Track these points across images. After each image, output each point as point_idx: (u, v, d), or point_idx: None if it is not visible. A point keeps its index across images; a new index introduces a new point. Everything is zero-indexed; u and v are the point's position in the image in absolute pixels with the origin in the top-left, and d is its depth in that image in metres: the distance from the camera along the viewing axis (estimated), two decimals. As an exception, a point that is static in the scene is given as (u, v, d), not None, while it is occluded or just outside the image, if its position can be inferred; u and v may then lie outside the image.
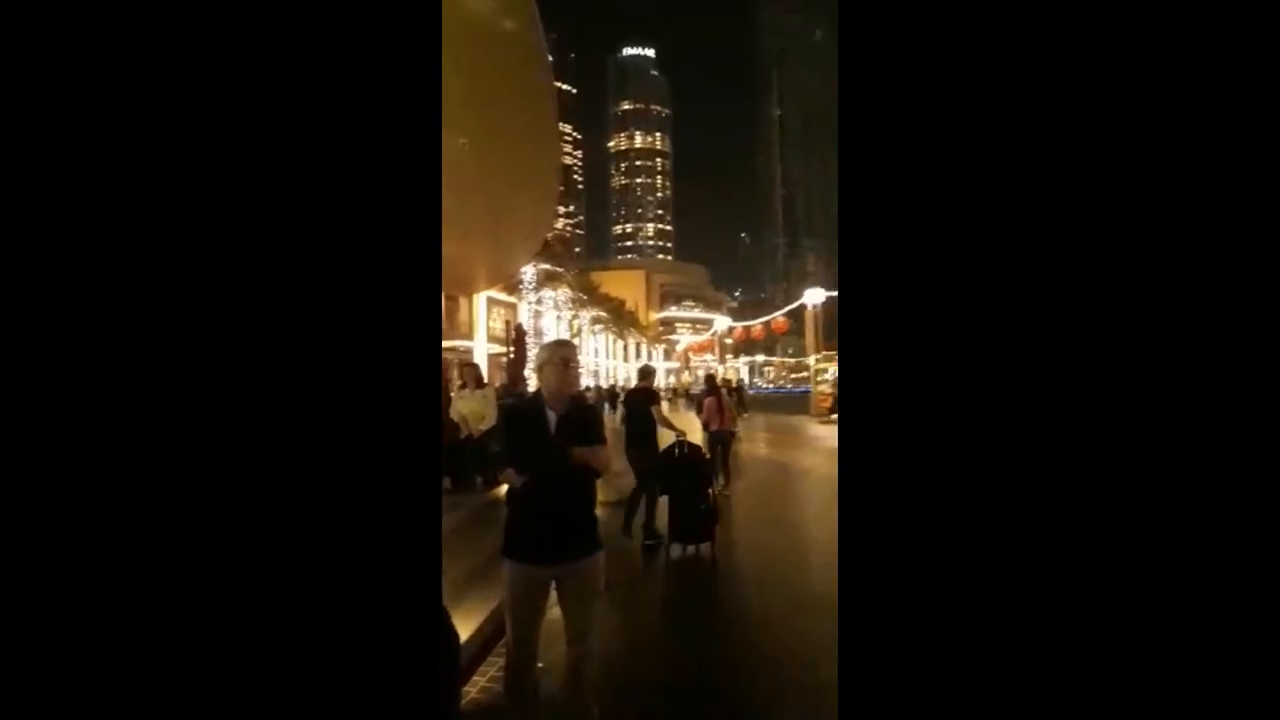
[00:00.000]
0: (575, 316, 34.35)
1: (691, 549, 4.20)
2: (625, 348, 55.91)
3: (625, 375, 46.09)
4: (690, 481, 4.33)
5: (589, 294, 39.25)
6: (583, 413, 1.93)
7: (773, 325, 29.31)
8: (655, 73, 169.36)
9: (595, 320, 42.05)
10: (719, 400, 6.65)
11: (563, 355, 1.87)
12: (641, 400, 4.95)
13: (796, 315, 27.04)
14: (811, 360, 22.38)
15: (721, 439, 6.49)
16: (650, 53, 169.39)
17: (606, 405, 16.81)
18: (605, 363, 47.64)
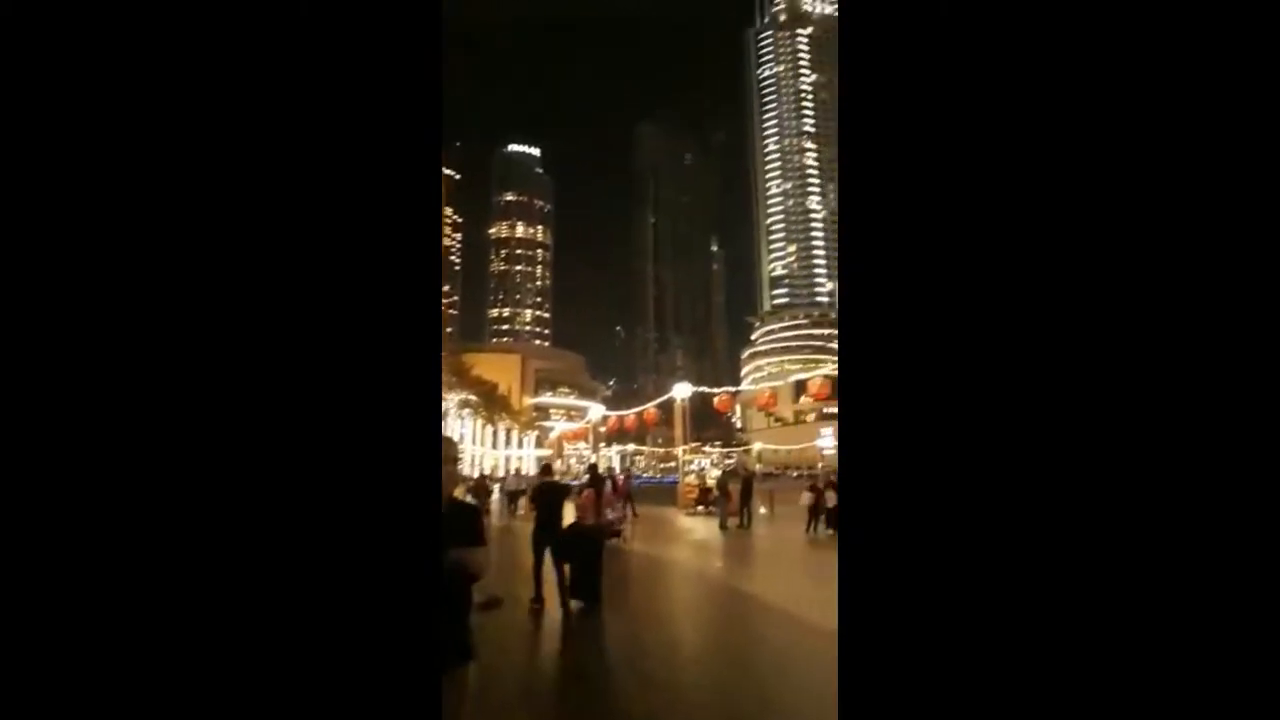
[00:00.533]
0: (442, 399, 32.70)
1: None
2: (495, 433, 53.69)
3: (492, 463, 43.92)
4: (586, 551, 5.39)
5: (459, 376, 37.78)
6: (462, 512, 1.89)
7: (645, 416, 30.27)
8: (539, 170, 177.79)
9: (463, 404, 40.27)
10: (598, 493, 6.52)
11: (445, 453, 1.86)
12: (551, 496, 5.86)
13: (666, 407, 28.31)
14: (679, 451, 23.26)
15: (592, 543, 5.59)
16: (535, 151, 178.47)
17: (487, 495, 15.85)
18: (473, 449, 45.24)
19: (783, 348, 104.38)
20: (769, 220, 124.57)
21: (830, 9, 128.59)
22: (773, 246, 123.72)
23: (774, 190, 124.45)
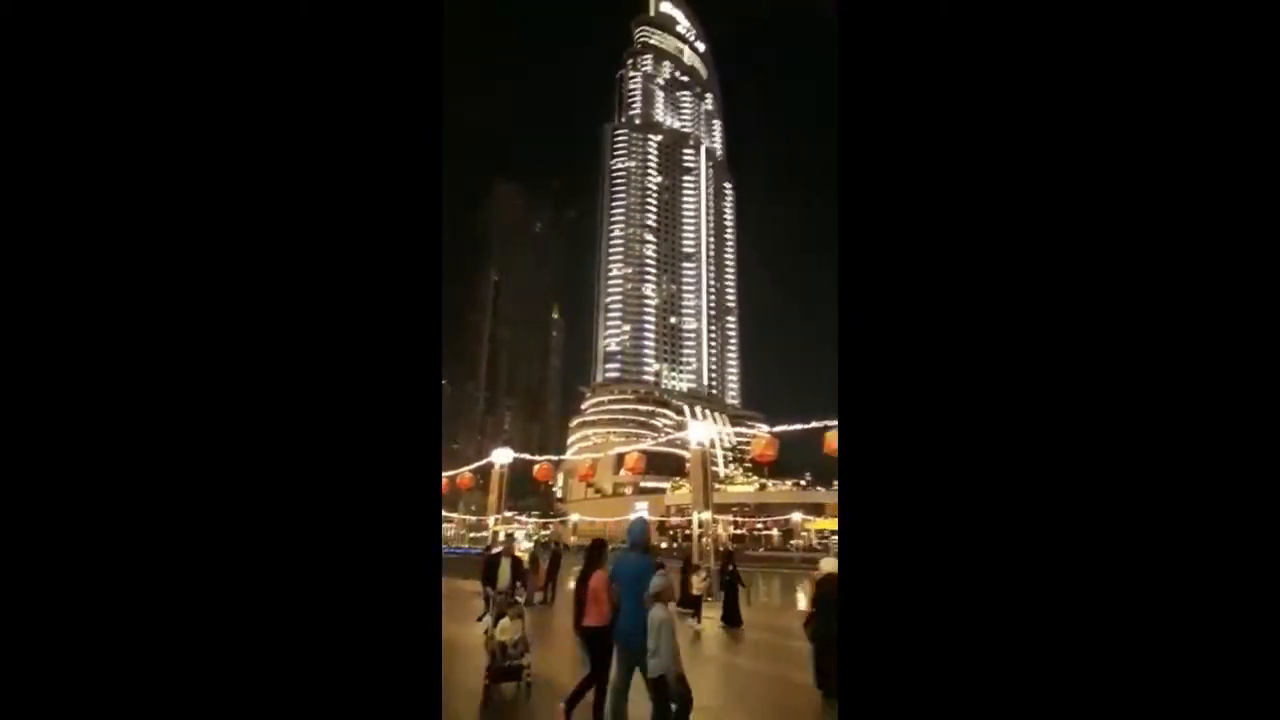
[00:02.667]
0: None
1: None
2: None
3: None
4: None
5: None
6: None
7: (458, 480, 28.68)
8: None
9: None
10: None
11: None
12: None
13: (484, 472, 27.25)
14: (491, 520, 22.48)
15: None
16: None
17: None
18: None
19: (609, 419, 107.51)
20: (608, 299, 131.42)
21: (677, 124, 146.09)
22: (609, 323, 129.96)
23: (615, 273, 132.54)
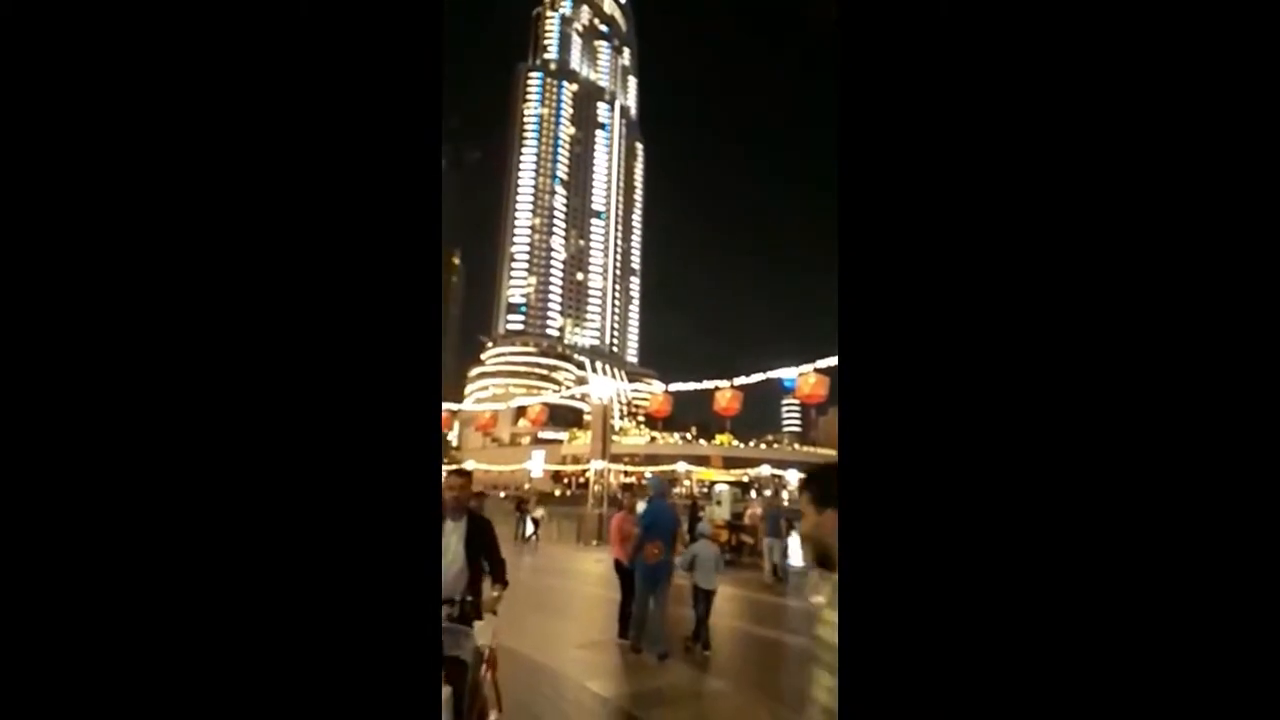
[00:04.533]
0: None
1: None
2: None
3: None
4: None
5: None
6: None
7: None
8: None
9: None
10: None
11: None
12: None
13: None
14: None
15: None
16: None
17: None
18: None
19: (510, 371, 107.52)
20: (514, 249, 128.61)
21: (593, 75, 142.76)
22: (514, 274, 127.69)
23: (522, 223, 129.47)
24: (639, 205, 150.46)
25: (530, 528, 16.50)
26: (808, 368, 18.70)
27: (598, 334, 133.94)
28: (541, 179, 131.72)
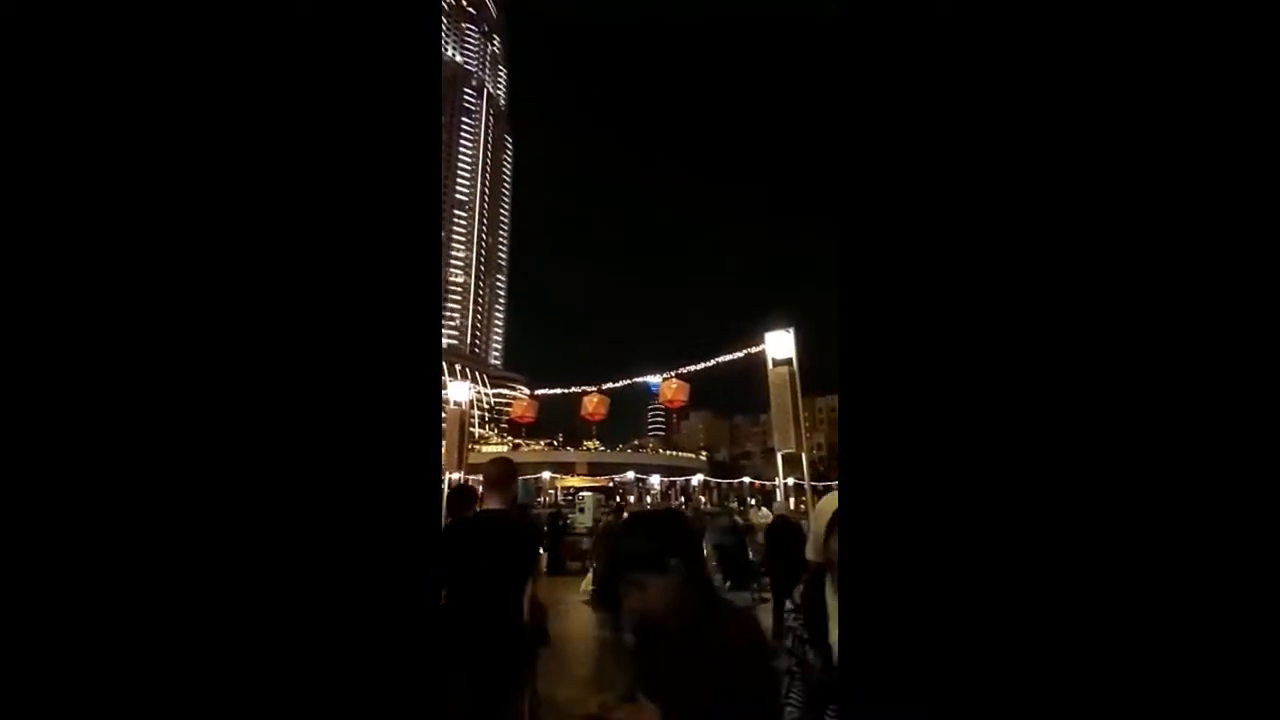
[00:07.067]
0: None
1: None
2: None
3: None
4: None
5: None
6: None
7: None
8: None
9: None
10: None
11: None
12: None
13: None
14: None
15: None
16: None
17: None
18: None
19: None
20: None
21: (460, 58, 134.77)
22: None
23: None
24: (506, 200, 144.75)
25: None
26: (670, 374, 19.54)
27: (458, 333, 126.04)
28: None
